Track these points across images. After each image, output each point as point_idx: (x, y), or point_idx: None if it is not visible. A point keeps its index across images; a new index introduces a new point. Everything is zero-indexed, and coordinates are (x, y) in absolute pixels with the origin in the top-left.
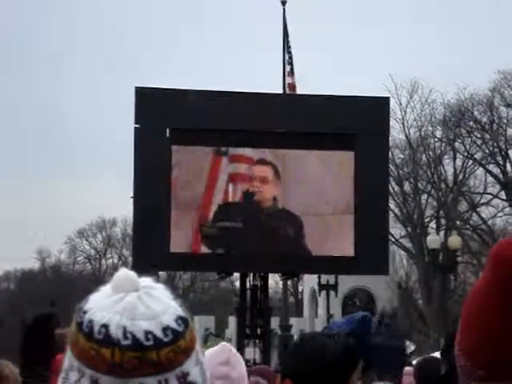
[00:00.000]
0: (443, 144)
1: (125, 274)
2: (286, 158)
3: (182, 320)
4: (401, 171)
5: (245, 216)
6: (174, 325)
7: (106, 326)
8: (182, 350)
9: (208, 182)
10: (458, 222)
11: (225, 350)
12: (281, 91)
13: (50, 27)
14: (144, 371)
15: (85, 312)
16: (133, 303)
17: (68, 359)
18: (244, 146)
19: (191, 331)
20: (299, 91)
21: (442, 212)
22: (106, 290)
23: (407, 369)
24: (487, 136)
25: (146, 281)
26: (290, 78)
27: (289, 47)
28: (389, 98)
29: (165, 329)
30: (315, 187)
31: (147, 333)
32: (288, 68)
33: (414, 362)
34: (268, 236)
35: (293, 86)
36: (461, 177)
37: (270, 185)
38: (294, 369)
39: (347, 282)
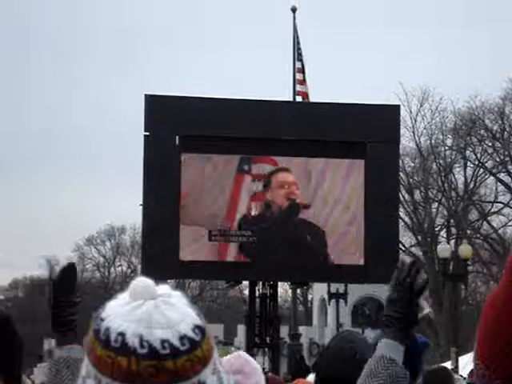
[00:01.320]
0: (454, 152)
1: (142, 281)
2: (299, 166)
3: (199, 329)
4: (411, 179)
5: (258, 225)
6: (190, 334)
7: (122, 335)
8: (198, 358)
9: (228, 194)
10: (468, 231)
11: (239, 358)
12: (291, 99)
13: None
14: (160, 380)
15: (102, 319)
16: (149, 312)
17: (85, 366)
18: (253, 153)
19: (208, 340)
20: (311, 99)
21: (452, 221)
22: (123, 297)
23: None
24: (498, 144)
25: (164, 288)
26: (303, 86)
27: (300, 55)
28: (399, 105)
29: (182, 338)
30: (327, 195)
31: (164, 341)
32: (299, 76)
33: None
34: (280, 245)
35: (305, 94)
36: (471, 185)
37: (291, 192)
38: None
39: (357, 291)
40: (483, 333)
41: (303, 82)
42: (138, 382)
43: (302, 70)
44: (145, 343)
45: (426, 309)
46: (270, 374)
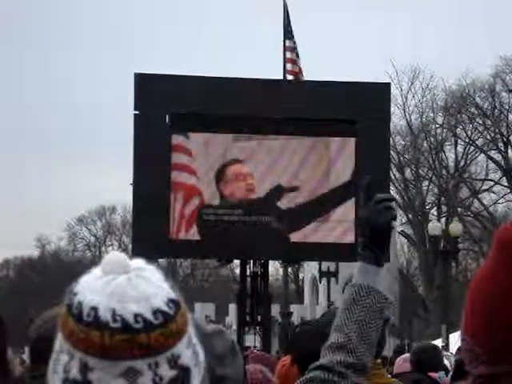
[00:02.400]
0: (444, 130)
1: (115, 255)
2: (287, 145)
3: (173, 303)
4: (402, 158)
5: (245, 204)
6: (164, 307)
7: (95, 309)
8: (172, 332)
9: (218, 172)
10: (459, 209)
11: None
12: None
13: (54, 13)
14: (134, 354)
15: (75, 294)
16: (122, 285)
17: (59, 341)
18: (243, 132)
19: (183, 314)
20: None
21: (443, 199)
22: (96, 272)
23: (404, 355)
24: (489, 122)
25: (137, 262)
26: (295, 65)
27: (290, 33)
28: (390, 83)
29: (155, 311)
30: (315, 173)
31: (137, 315)
32: (290, 55)
33: (412, 349)
34: (268, 223)
35: (297, 73)
36: (462, 163)
37: (272, 171)
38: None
39: (348, 269)
40: (470, 307)
41: (295, 60)
42: (111, 357)
43: (294, 48)
44: (117, 317)
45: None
46: (255, 351)
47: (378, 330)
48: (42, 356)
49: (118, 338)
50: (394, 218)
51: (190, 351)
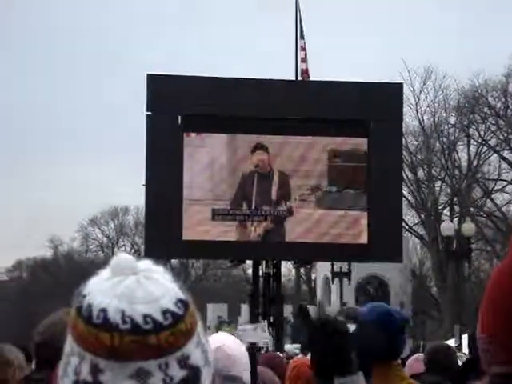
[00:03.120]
0: (457, 130)
1: (123, 257)
2: (297, 146)
3: (181, 303)
4: (414, 158)
5: (258, 204)
6: (173, 308)
7: (104, 311)
8: (182, 333)
9: (232, 173)
10: (472, 209)
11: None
12: (294, 78)
13: (60, 10)
14: (144, 355)
15: (84, 296)
16: (131, 287)
17: (69, 344)
18: (256, 133)
19: (192, 314)
20: (312, 77)
21: (455, 199)
22: (104, 273)
23: (416, 355)
24: (502, 122)
25: (145, 264)
26: (304, 64)
27: (302, 33)
28: (402, 84)
29: (164, 312)
30: (328, 175)
31: (146, 316)
32: (302, 54)
33: (426, 349)
34: (282, 224)
35: (306, 72)
36: (475, 163)
37: (286, 170)
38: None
39: (360, 270)
40: (488, 306)
41: (305, 59)
42: (121, 358)
43: (304, 48)
44: (127, 319)
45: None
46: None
47: None
48: (46, 361)
49: (128, 340)
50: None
51: (199, 351)
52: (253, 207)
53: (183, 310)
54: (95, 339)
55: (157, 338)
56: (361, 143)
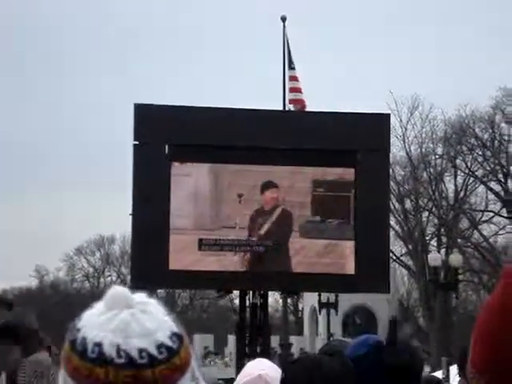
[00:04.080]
0: (444, 161)
1: (118, 290)
2: (284, 175)
3: (176, 337)
4: (402, 188)
5: (245, 234)
6: (168, 342)
7: (99, 345)
8: (176, 366)
9: (221, 203)
10: (459, 240)
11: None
12: (282, 108)
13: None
14: None
15: (78, 330)
16: (126, 321)
17: (62, 377)
18: (243, 163)
19: (186, 348)
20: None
21: (443, 229)
22: (99, 307)
23: None
24: (488, 153)
25: (140, 297)
26: (298, 95)
27: (291, 63)
28: (389, 114)
29: (159, 346)
30: (314, 204)
31: (141, 350)
32: (293, 84)
33: None
34: (268, 254)
35: (301, 101)
36: (462, 194)
37: (273, 202)
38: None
39: (347, 300)
40: (476, 341)
41: (300, 88)
42: None
43: (293, 78)
44: (122, 353)
45: None
46: None
47: None
48: None
49: (123, 374)
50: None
51: None
52: (242, 237)
53: (178, 344)
54: (90, 373)
55: (152, 372)
56: (347, 173)
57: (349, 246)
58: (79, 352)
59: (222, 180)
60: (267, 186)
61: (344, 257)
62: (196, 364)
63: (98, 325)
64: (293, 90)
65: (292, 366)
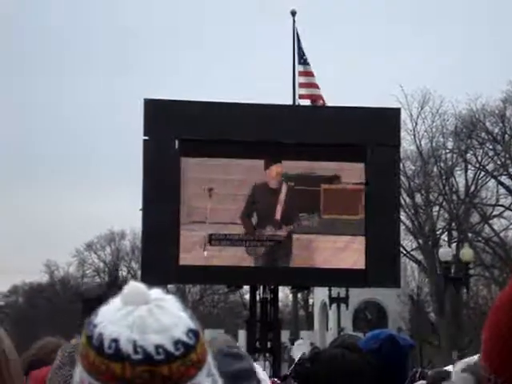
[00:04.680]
0: (455, 155)
1: (135, 286)
2: (295, 170)
3: (192, 333)
4: (412, 183)
5: (256, 229)
6: (184, 338)
7: (116, 341)
8: (193, 363)
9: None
10: (469, 235)
11: None
12: (292, 103)
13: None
14: None
15: (95, 326)
16: (143, 317)
17: (79, 373)
18: (253, 157)
19: (202, 344)
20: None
21: (453, 224)
22: (115, 302)
23: (420, 382)
24: (499, 147)
25: (157, 293)
26: (314, 90)
27: (302, 58)
28: (400, 109)
29: (176, 342)
30: (326, 202)
31: (158, 347)
32: (303, 79)
33: (427, 375)
34: (279, 248)
35: (320, 97)
36: (472, 188)
37: (283, 197)
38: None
39: (358, 295)
40: (489, 335)
41: (311, 84)
42: None
43: (307, 73)
44: (139, 349)
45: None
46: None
47: None
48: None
49: (140, 370)
50: None
51: (209, 381)
52: (255, 227)
53: (194, 340)
54: (106, 369)
55: (169, 368)
56: (358, 169)
57: (359, 241)
58: (96, 348)
59: (232, 175)
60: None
61: (355, 252)
62: (212, 360)
63: (114, 321)
64: (306, 85)
65: (314, 359)
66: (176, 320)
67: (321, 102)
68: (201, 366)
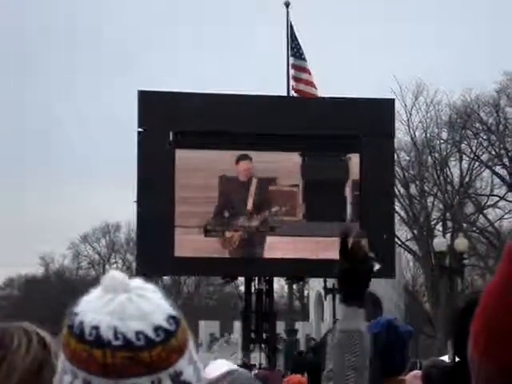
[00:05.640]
0: (449, 146)
1: (114, 275)
2: (292, 162)
3: (173, 319)
4: (406, 173)
5: (249, 220)
6: (165, 324)
7: (96, 328)
8: (174, 349)
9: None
10: (464, 225)
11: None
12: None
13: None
14: (136, 371)
15: (76, 314)
16: (123, 304)
17: (61, 362)
18: (247, 149)
19: (183, 330)
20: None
21: (448, 214)
22: (96, 291)
23: (414, 372)
24: (493, 137)
25: (136, 281)
26: (300, 83)
27: (297, 50)
28: (394, 99)
29: (156, 328)
30: (321, 191)
31: (138, 333)
32: (294, 73)
33: (423, 365)
34: (274, 240)
35: (303, 90)
36: (467, 179)
37: (280, 189)
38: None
39: None
40: (480, 323)
41: (301, 78)
42: (114, 375)
43: (302, 69)
44: (119, 335)
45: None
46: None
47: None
48: None
49: (120, 356)
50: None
51: (191, 368)
52: (247, 222)
53: (175, 327)
54: (88, 356)
55: (149, 354)
56: (352, 158)
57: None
58: (77, 335)
59: (226, 166)
60: (241, 158)
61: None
62: (194, 348)
63: (95, 308)
64: (298, 80)
65: (314, 350)
66: (156, 307)
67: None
68: (182, 353)
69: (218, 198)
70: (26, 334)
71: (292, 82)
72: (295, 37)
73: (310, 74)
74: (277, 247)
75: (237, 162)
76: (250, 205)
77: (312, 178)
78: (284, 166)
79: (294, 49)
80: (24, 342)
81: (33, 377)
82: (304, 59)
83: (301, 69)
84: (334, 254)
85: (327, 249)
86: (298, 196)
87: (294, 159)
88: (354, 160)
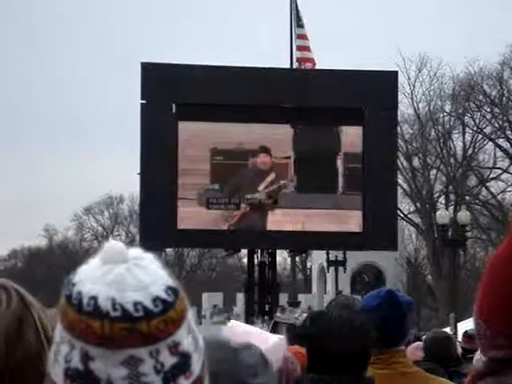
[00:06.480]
0: (452, 118)
1: (113, 245)
2: (294, 134)
3: (171, 290)
4: (409, 146)
5: (252, 192)
6: (163, 295)
7: (94, 298)
8: (172, 320)
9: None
10: (467, 197)
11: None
12: (289, 66)
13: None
14: (134, 342)
15: (73, 284)
16: (121, 275)
17: (58, 332)
18: (251, 121)
19: (182, 301)
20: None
21: (451, 187)
22: (94, 261)
23: (416, 343)
24: (497, 110)
25: (135, 251)
26: (305, 53)
27: (299, 21)
28: (397, 72)
29: (154, 299)
30: (324, 163)
31: (136, 304)
32: (300, 42)
33: (424, 337)
34: (275, 211)
35: (311, 61)
36: (470, 151)
37: (281, 162)
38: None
39: (356, 258)
40: (485, 291)
41: (307, 48)
42: (112, 346)
43: (304, 37)
44: (117, 306)
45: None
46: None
47: None
48: None
49: (119, 327)
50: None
51: (190, 337)
52: (250, 195)
53: (173, 297)
54: (85, 327)
55: (147, 325)
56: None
57: (356, 204)
58: (75, 306)
59: (231, 139)
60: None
61: (352, 215)
62: (193, 317)
63: (93, 279)
64: (301, 48)
65: (313, 319)
66: (154, 278)
67: (309, 64)
68: (180, 323)
69: (221, 170)
70: (5, 291)
71: (297, 54)
72: (296, 4)
73: (306, 38)
74: (280, 220)
75: (256, 154)
76: (261, 187)
77: (305, 149)
78: (278, 139)
79: (299, 18)
80: (4, 298)
81: (13, 333)
82: (302, 26)
83: (301, 36)
84: (335, 226)
85: (330, 221)
86: (289, 168)
87: (288, 132)
88: (346, 131)
